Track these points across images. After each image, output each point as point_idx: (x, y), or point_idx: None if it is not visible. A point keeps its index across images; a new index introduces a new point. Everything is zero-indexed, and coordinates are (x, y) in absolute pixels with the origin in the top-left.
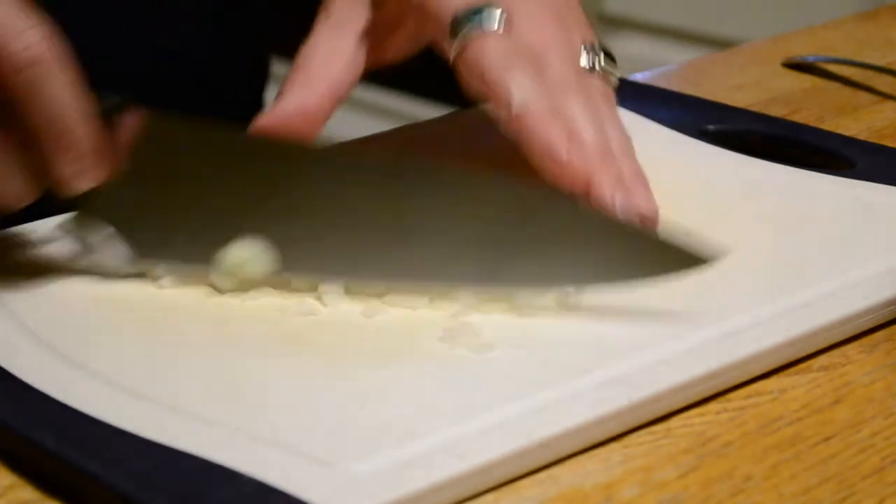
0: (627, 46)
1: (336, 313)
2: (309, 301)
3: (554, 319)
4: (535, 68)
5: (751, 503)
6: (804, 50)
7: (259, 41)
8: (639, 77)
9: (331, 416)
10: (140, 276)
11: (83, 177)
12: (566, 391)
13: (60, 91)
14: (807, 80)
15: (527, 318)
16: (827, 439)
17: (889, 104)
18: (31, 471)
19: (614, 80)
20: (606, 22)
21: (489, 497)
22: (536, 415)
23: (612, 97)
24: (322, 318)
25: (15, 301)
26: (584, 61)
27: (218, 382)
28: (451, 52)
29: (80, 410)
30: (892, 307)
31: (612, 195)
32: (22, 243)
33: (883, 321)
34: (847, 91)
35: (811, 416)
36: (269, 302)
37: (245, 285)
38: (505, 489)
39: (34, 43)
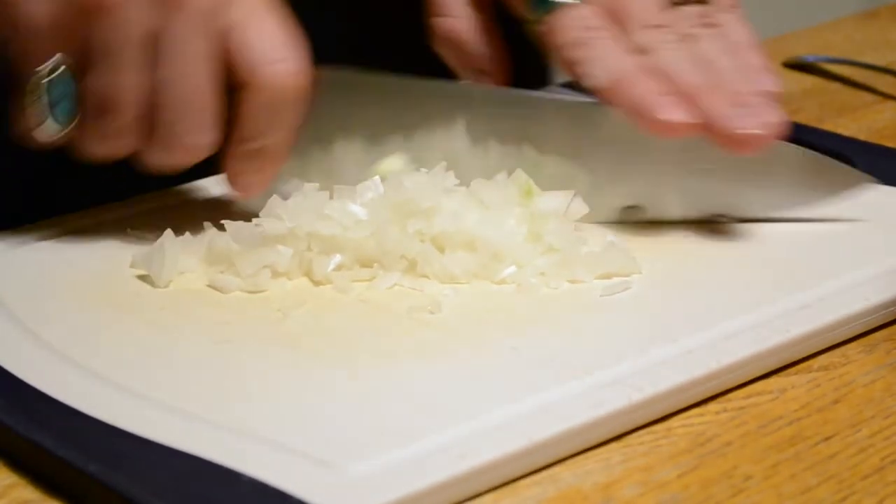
0: None
1: (335, 313)
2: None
3: (553, 320)
4: (618, 24)
5: (750, 503)
6: (804, 50)
7: None
8: None
9: (330, 416)
10: (141, 276)
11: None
12: (566, 392)
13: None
14: (807, 80)
15: (527, 319)
16: (827, 439)
17: (889, 104)
18: (31, 471)
19: None
20: None
21: (489, 497)
22: (536, 415)
23: (712, 14)
24: (322, 319)
25: (15, 301)
26: None
27: (218, 382)
28: (534, 25)
29: (80, 410)
30: (892, 308)
31: (730, 126)
32: (22, 243)
33: (883, 321)
34: (847, 91)
35: (811, 415)
36: (269, 302)
37: None
38: (504, 489)
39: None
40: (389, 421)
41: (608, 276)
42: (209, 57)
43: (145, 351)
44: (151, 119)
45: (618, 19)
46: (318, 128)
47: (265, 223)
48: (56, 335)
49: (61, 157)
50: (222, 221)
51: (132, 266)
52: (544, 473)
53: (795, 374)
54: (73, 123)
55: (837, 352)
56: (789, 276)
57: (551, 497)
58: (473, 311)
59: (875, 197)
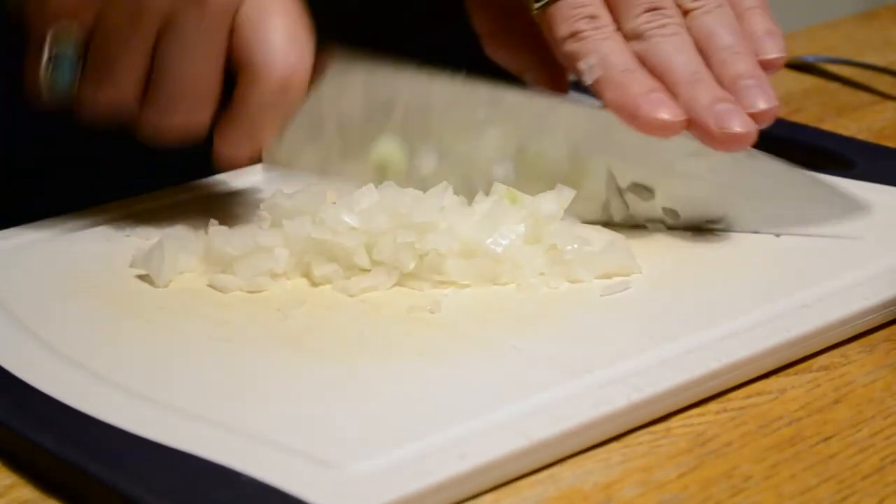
0: None
1: (335, 313)
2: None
3: (553, 320)
4: (615, 8)
5: (750, 503)
6: (804, 50)
7: None
8: None
9: (330, 415)
10: (141, 276)
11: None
12: (566, 391)
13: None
14: (807, 80)
15: (527, 319)
16: (826, 439)
17: (889, 104)
18: (31, 470)
19: None
20: None
21: (489, 497)
22: (536, 415)
23: None
24: (322, 319)
25: (15, 301)
26: None
27: (217, 382)
28: (536, 17)
29: (80, 410)
30: (892, 308)
31: (712, 125)
32: (22, 243)
33: (883, 321)
34: (847, 91)
35: (811, 415)
36: (269, 302)
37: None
38: (504, 489)
39: None
40: (389, 420)
41: (608, 277)
42: (217, 47)
43: (145, 351)
44: (150, 88)
45: (614, 3)
46: (313, 108)
47: (259, 234)
48: (56, 335)
49: (61, 157)
50: (217, 227)
51: (132, 266)
52: (544, 473)
53: (795, 374)
54: (75, 84)
55: (837, 352)
56: (789, 276)
57: (551, 497)
58: (473, 311)
59: (875, 197)
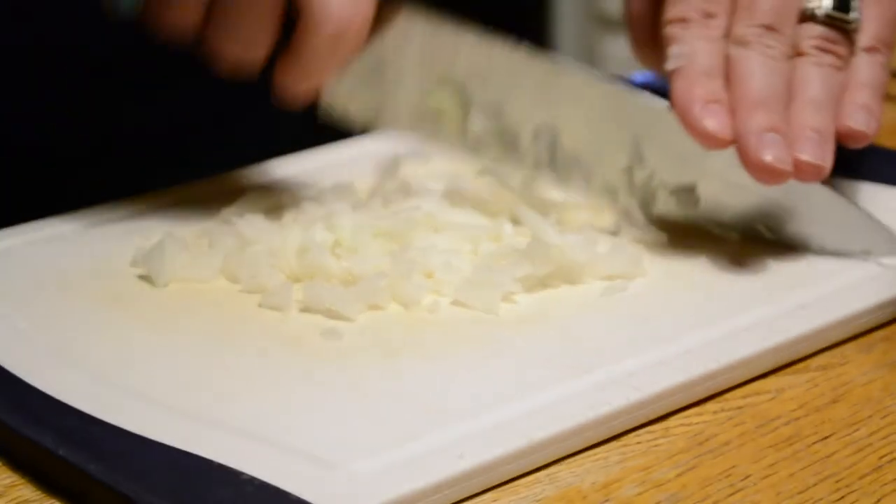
0: (627, 47)
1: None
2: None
3: (553, 320)
4: (738, 9)
5: (749, 502)
6: None
7: None
8: (639, 77)
9: (331, 415)
10: (141, 276)
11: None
12: (565, 391)
13: None
14: None
15: (526, 319)
16: (824, 438)
17: (889, 104)
18: (31, 470)
19: (852, 25)
20: (606, 22)
21: (488, 496)
22: (535, 415)
23: (842, 44)
24: (321, 319)
25: (14, 301)
26: (809, 4)
27: (217, 382)
28: None
29: (80, 410)
30: (891, 308)
31: (752, 147)
32: (22, 243)
33: (881, 322)
34: None
35: (809, 415)
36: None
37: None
38: (503, 487)
39: None
40: (389, 420)
41: (612, 278)
42: None
43: (145, 351)
44: (211, 13)
45: (740, 7)
46: (373, 56)
47: (258, 234)
48: (55, 335)
49: (60, 157)
50: (218, 226)
51: (132, 266)
52: (543, 473)
53: (793, 373)
54: (140, 4)
55: (836, 352)
56: (788, 276)
57: (550, 496)
58: (472, 310)
59: (875, 197)
